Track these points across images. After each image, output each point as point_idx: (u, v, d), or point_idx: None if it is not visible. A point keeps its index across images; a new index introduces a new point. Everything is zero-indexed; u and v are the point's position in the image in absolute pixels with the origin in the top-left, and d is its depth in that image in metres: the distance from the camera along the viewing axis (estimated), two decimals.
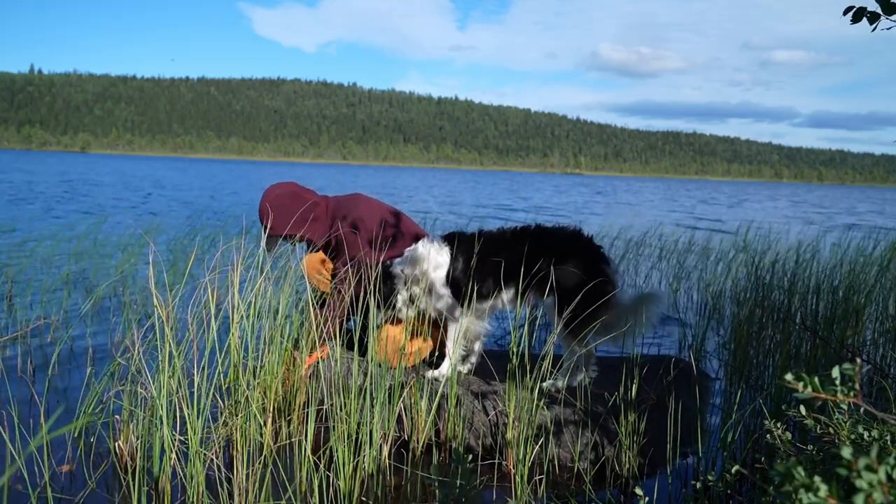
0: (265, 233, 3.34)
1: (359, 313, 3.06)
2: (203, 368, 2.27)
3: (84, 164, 61.26)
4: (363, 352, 3.35)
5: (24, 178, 28.16)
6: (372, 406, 2.50)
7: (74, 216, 12.24)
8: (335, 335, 3.02)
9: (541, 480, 2.49)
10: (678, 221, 16.89)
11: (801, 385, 0.95)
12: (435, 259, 3.07)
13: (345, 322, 3.33)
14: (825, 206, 35.14)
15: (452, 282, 3.06)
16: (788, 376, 0.96)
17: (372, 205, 3.46)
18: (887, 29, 2.11)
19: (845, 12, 2.10)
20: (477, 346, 3.24)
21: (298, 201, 3.41)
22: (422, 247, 3.09)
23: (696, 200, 34.64)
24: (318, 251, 3.46)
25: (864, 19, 2.10)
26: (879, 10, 2.06)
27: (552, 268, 2.90)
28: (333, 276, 3.39)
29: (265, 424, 2.54)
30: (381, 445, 2.53)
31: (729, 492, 2.12)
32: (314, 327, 2.92)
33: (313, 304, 3.06)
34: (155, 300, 2.32)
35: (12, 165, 44.69)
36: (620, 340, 2.99)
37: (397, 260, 3.20)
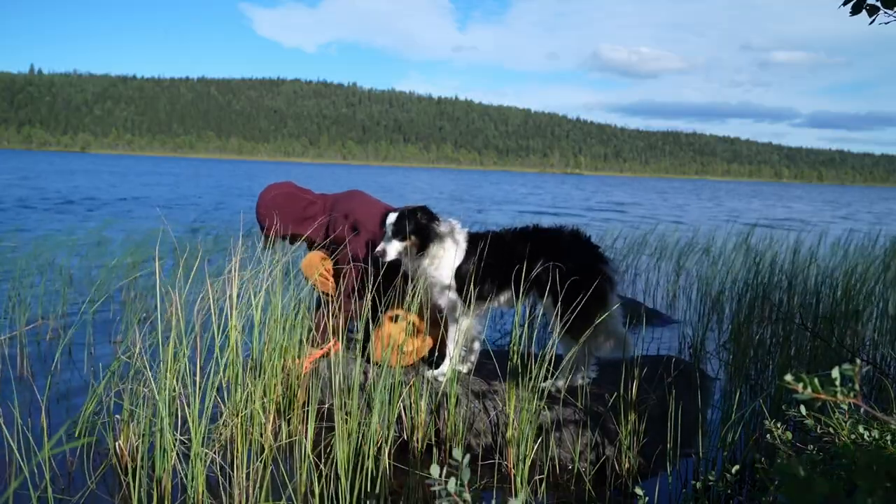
0: (262, 233, 3.35)
1: (361, 314, 3.05)
2: (209, 368, 2.27)
3: (121, 165, 60.21)
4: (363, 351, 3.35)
5: (95, 182, 27.19)
6: (369, 406, 2.49)
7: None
8: (338, 333, 3.02)
9: (541, 480, 2.48)
10: None
11: (800, 386, 0.95)
12: (450, 255, 3.04)
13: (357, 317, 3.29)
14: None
15: (457, 281, 3.04)
16: (788, 377, 0.96)
17: (371, 204, 3.44)
18: (885, 23, 2.10)
19: (844, 3, 2.09)
20: (476, 346, 3.24)
21: (295, 201, 3.41)
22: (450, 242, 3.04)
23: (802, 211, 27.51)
24: (320, 249, 3.47)
25: (862, 14, 2.10)
26: (878, 3, 2.05)
27: (551, 268, 2.90)
28: (334, 275, 3.39)
29: (265, 424, 2.54)
30: (381, 445, 2.53)
31: (729, 492, 2.13)
32: (314, 326, 2.92)
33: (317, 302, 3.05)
34: (157, 300, 2.32)
35: (62, 168, 43.15)
36: (620, 346, 2.98)
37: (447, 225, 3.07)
